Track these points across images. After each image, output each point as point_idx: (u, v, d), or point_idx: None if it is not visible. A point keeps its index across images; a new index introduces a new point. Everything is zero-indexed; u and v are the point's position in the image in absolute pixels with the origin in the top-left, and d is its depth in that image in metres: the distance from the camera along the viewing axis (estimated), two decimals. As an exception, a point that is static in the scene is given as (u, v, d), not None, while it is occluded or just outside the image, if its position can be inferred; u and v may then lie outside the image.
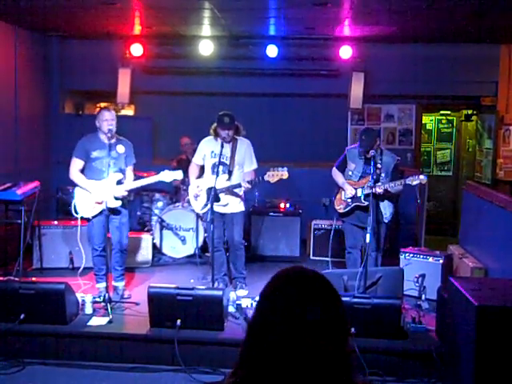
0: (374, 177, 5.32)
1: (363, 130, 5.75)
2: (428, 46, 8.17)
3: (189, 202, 6.26)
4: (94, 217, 5.42)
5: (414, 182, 5.23)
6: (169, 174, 5.40)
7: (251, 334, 1.33)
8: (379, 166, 5.50)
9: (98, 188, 5.34)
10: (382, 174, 5.50)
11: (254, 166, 5.75)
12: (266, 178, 5.37)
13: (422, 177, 5.21)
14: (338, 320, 1.31)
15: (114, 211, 5.41)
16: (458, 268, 6.21)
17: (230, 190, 5.60)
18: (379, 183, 5.39)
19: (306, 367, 1.26)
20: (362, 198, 5.45)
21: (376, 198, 5.43)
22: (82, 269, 5.70)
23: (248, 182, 5.51)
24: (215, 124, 5.60)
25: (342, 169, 5.78)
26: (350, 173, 5.69)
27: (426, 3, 5.70)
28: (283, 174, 5.34)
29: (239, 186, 5.57)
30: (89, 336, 4.71)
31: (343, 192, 5.71)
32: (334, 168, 5.87)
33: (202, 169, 5.90)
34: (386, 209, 5.57)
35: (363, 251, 5.38)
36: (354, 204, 5.59)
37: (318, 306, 1.29)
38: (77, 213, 5.43)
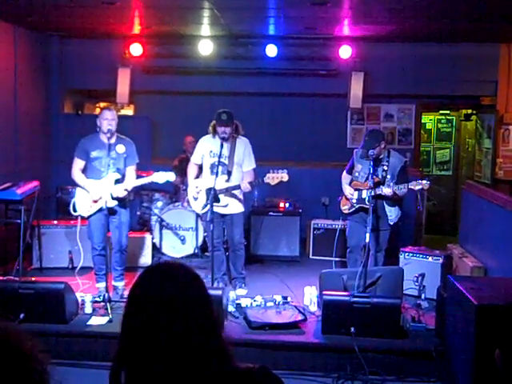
0: (373, 177, 5.30)
1: (368, 131, 5.71)
2: (427, 45, 8.16)
3: (188, 202, 6.24)
4: (90, 216, 5.43)
5: (417, 187, 5.15)
6: (161, 175, 5.40)
7: (123, 322, 1.42)
8: (385, 168, 5.47)
9: (95, 187, 5.35)
10: (388, 176, 5.44)
11: (253, 165, 5.72)
12: (266, 180, 5.34)
13: (424, 182, 5.14)
14: (197, 302, 1.42)
15: (111, 211, 5.41)
16: (457, 267, 6.22)
17: (229, 191, 5.58)
18: (384, 185, 5.35)
19: (172, 350, 1.35)
20: (367, 199, 5.33)
21: (383, 200, 5.43)
22: (79, 267, 5.70)
23: (248, 183, 5.48)
24: (214, 121, 5.58)
25: (351, 172, 5.74)
26: (357, 174, 5.65)
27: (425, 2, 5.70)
28: (283, 176, 5.32)
29: (239, 187, 5.54)
30: (88, 335, 4.71)
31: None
32: (344, 172, 5.83)
33: (200, 168, 5.88)
34: (392, 211, 5.51)
35: (364, 251, 5.36)
36: (359, 205, 5.56)
37: (176, 287, 1.41)
38: (75, 211, 5.46)
